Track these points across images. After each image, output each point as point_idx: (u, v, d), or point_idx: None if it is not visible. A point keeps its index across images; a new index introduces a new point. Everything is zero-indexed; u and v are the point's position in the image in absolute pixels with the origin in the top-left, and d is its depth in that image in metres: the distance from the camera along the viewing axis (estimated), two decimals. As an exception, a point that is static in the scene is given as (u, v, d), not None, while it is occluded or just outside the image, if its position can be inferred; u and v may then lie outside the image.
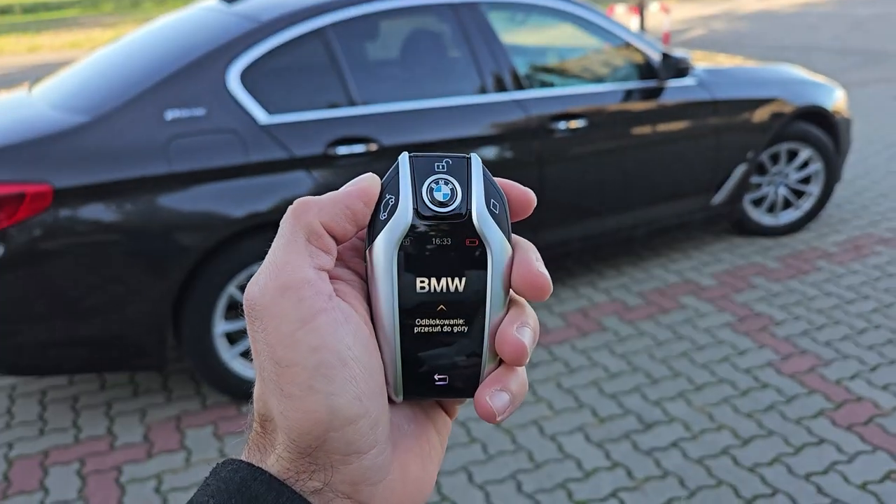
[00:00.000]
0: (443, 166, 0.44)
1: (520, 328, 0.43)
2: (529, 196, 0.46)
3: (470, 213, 0.43)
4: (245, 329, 3.00)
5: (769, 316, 3.60)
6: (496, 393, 0.43)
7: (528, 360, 0.43)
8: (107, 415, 3.03)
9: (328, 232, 0.42)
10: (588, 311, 3.70)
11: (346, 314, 0.41)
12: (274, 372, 0.40)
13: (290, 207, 0.42)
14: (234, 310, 3.01)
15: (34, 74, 3.38)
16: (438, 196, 0.43)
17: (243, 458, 0.42)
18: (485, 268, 0.43)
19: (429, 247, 0.43)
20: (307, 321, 0.39)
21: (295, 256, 0.40)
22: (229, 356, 2.99)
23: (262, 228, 2.95)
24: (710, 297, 3.80)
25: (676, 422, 2.83)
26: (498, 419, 0.43)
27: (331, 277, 0.42)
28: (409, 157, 0.44)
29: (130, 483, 2.63)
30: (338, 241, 0.43)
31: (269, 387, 0.40)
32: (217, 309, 2.92)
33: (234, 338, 3.03)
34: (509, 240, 0.43)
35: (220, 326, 2.95)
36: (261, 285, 0.40)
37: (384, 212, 0.43)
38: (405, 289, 0.42)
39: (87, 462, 2.75)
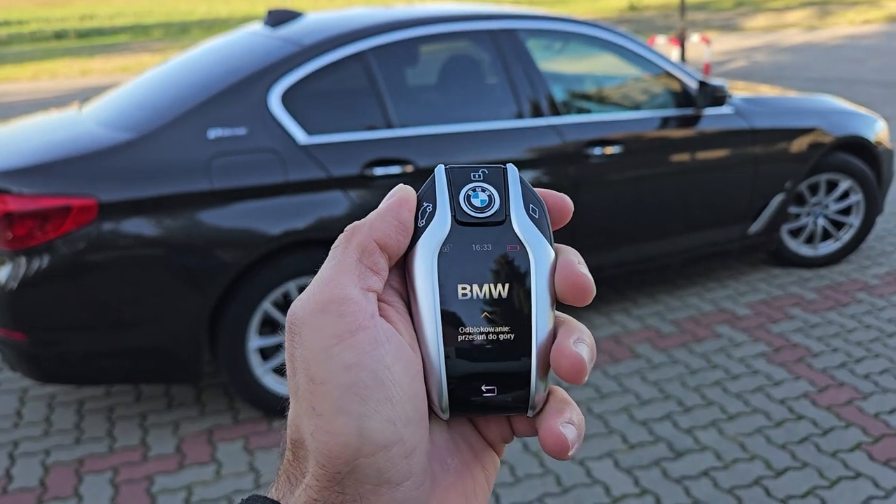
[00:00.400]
0: (479, 175, 0.44)
1: (577, 342, 0.41)
2: (566, 202, 0.45)
3: (509, 217, 0.42)
4: (278, 344, 3.03)
5: (806, 347, 3.54)
6: (566, 425, 0.40)
7: (586, 378, 0.40)
8: (141, 426, 3.09)
9: (382, 248, 0.41)
10: (621, 338, 3.68)
11: (388, 334, 0.39)
12: (308, 389, 0.38)
13: (343, 235, 0.42)
14: (269, 326, 3.05)
15: (85, 96, 3.52)
16: (476, 202, 0.43)
17: (272, 492, 0.41)
18: (528, 272, 0.42)
19: (469, 253, 0.42)
20: (344, 338, 0.38)
21: (342, 275, 0.40)
22: (262, 371, 3.03)
23: (299, 246, 3.01)
24: (745, 327, 3.76)
25: (708, 450, 2.79)
26: (570, 453, 0.40)
27: (379, 300, 0.41)
28: (446, 168, 0.44)
29: (161, 493, 2.67)
30: (392, 257, 0.42)
31: (302, 406, 0.39)
32: (252, 324, 2.96)
33: (267, 353, 3.08)
34: (552, 245, 0.43)
35: (255, 342, 3.00)
36: (304, 301, 0.40)
37: (422, 219, 0.43)
38: (446, 295, 0.41)
39: (120, 471, 2.80)
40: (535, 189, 0.45)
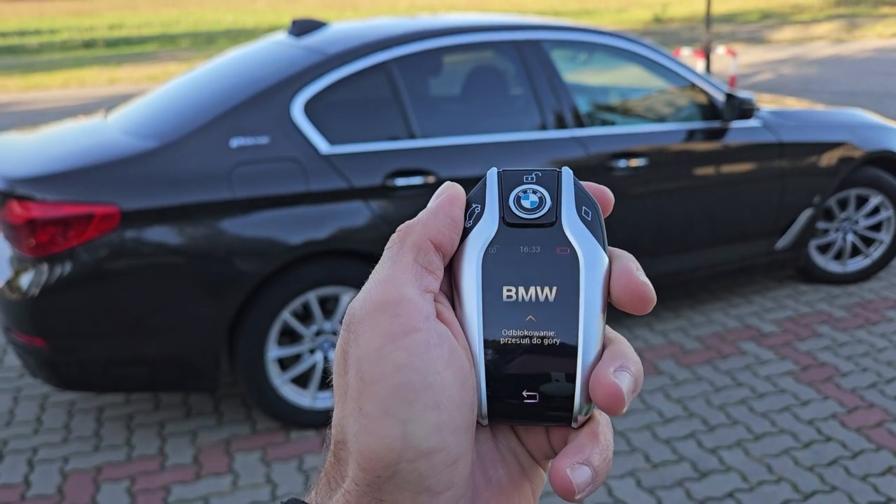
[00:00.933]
0: (532, 178, 0.43)
1: (618, 372, 0.38)
2: (606, 194, 0.44)
3: (560, 219, 0.41)
4: (297, 355, 3.01)
5: (834, 366, 3.46)
6: (577, 466, 0.38)
7: (624, 410, 0.38)
8: (159, 434, 3.08)
9: (437, 247, 0.40)
10: (643, 354, 3.62)
11: (442, 338, 0.38)
12: (357, 389, 0.37)
13: (397, 235, 0.41)
14: (288, 336, 3.04)
15: (113, 104, 3.55)
16: (526, 203, 0.42)
17: (311, 495, 0.40)
18: (577, 276, 0.40)
19: (516, 254, 0.41)
20: (398, 338, 0.37)
21: (399, 273, 0.39)
22: (280, 381, 3.01)
23: (319, 257, 2.99)
24: (771, 345, 3.68)
25: (733, 471, 2.73)
26: (577, 496, 0.38)
27: (435, 301, 0.40)
28: (498, 171, 0.43)
29: (178, 503, 2.65)
30: (445, 256, 0.41)
31: (349, 406, 0.38)
32: (271, 334, 2.95)
33: (285, 363, 3.06)
34: (605, 249, 0.41)
35: (273, 352, 2.98)
36: (361, 300, 0.39)
37: (469, 219, 0.42)
38: (490, 297, 0.40)
39: (137, 480, 2.79)
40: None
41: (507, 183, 0.43)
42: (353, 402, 0.38)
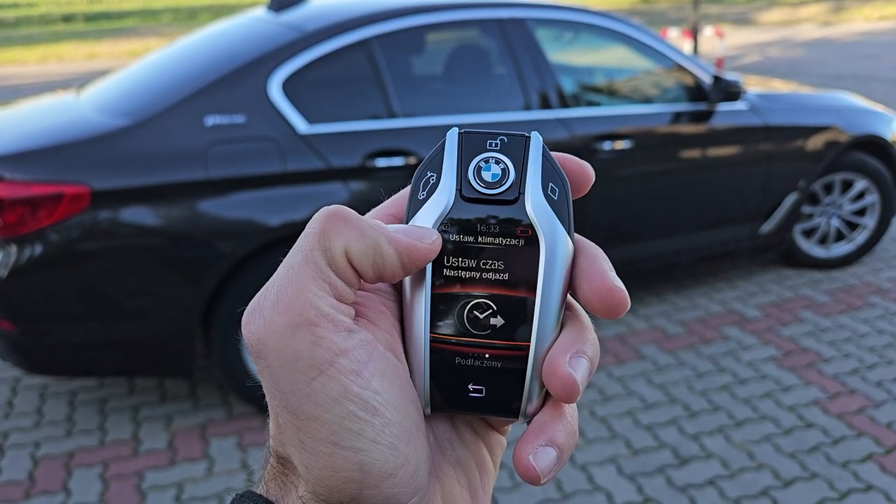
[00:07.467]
0: (496, 144, 0.38)
1: (574, 358, 0.36)
2: (586, 170, 0.39)
3: (522, 196, 0.37)
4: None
5: (816, 352, 3.44)
6: (540, 449, 0.36)
7: (579, 396, 0.36)
8: (133, 419, 3.02)
9: (352, 265, 0.35)
10: (626, 338, 3.59)
11: (370, 350, 0.34)
12: (291, 423, 0.34)
13: (322, 216, 0.35)
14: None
15: (91, 80, 3.43)
16: (486, 176, 0.37)
17: (262, 486, 0.37)
18: (536, 263, 0.36)
19: (471, 234, 0.37)
20: (324, 369, 0.33)
21: (310, 283, 0.34)
22: (257, 366, 2.95)
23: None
24: (754, 330, 3.66)
25: (714, 458, 2.71)
26: (542, 481, 0.36)
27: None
28: (459, 132, 0.39)
29: (151, 489, 2.60)
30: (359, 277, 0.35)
31: (286, 435, 0.34)
32: (247, 318, 2.89)
33: (263, 348, 3.00)
34: (570, 235, 0.37)
35: (250, 335, 2.92)
36: (266, 318, 0.34)
37: (423, 190, 0.38)
38: (440, 280, 0.36)
39: (110, 466, 2.73)
40: (554, 154, 0.39)
41: (469, 149, 0.38)
42: (291, 433, 0.34)
